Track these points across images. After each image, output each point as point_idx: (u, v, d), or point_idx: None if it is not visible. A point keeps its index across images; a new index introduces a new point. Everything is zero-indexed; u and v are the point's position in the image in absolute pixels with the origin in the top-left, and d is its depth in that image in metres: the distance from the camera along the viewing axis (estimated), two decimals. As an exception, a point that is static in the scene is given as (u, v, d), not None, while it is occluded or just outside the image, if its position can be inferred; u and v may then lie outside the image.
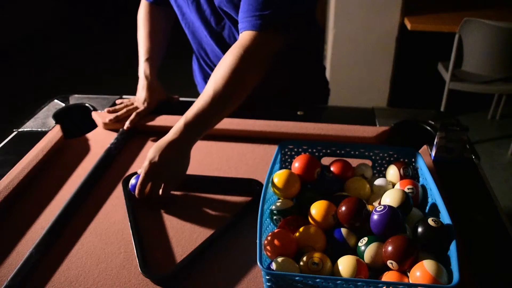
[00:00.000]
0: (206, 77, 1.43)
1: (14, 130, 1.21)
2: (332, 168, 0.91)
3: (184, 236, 0.89)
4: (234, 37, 1.22)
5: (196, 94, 1.54)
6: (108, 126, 1.24)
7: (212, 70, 1.36)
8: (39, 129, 1.20)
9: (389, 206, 0.73)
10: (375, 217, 0.73)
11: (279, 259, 0.71)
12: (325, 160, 0.94)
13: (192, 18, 1.25)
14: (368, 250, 0.72)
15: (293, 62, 1.29)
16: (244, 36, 1.03)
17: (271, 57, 1.05)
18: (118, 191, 1.01)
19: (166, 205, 0.97)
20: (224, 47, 1.25)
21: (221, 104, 0.99)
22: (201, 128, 0.99)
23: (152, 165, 0.94)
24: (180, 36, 1.44)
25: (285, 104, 1.32)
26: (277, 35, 1.05)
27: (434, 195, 0.80)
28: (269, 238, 0.74)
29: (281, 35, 1.05)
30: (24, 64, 4.27)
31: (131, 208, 0.95)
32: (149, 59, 1.31)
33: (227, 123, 1.10)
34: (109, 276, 0.80)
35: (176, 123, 0.98)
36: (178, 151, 0.96)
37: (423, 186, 0.86)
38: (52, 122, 1.24)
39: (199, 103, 0.98)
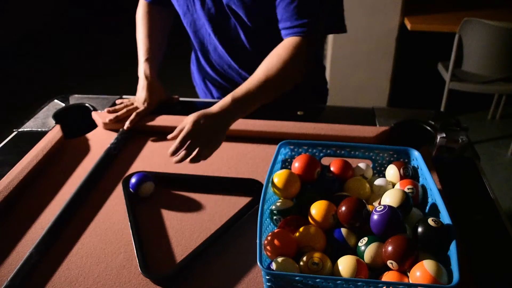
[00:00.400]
0: (205, 77, 1.43)
1: (14, 130, 1.21)
2: (332, 168, 0.91)
3: (184, 236, 0.89)
4: (239, 36, 1.22)
5: (196, 95, 1.54)
6: (108, 126, 1.24)
7: (214, 69, 1.36)
8: (39, 129, 1.20)
9: (389, 206, 0.73)
10: (375, 217, 0.73)
11: (279, 259, 0.71)
12: (325, 160, 0.94)
13: (195, 17, 1.25)
14: (368, 250, 0.72)
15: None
16: (293, 40, 1.11)
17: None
18: (118, 191, 1.01)
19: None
20: (228, 46, 1.25)
21: (269, 90, 1.07)
22: (246, 107, 1.04)
23: (196, 126, 0.97)
24: (180, 36, 1.44)
25: (285, 104, 1.32)
26: (318, 39, 1.15)
27: (434, 195, 0.80)
28: (269, 238, 0.74)
29: (320, 38, 1.16)
30: (24, 64, 4.27)
31: (131, 208, 0.95)
32: (149, 59, 1.31)
33: (227, 123, 1.10)
34: (109, 276, 0.80)
35: (223, 99, 1.03)
36: (222, 122, 1.01)
37: (423, 186, 0.86)
38: (52, 122, 1.24)
39: (249, 85, 1.04)
